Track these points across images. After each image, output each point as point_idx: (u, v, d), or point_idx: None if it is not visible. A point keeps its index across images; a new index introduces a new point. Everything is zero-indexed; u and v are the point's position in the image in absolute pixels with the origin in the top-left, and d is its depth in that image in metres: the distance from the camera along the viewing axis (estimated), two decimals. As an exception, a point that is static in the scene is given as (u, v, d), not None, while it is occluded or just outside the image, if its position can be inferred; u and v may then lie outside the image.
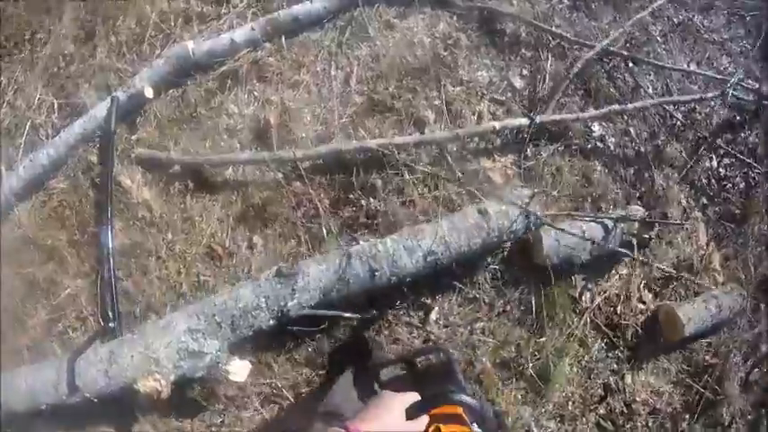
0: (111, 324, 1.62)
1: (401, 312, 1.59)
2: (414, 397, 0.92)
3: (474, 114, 1.82)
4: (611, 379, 1.87)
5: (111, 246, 1.71)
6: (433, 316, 1.61)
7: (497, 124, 1.75)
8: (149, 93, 1.86)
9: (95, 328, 1.84)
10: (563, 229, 1.65)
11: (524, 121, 1.79)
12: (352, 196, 1.69)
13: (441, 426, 0.91)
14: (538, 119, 1.79)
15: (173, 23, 1.93)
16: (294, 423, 1.59)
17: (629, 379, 1.90)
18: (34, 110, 2.17)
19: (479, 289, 1.70)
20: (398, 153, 1.69)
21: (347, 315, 1.54)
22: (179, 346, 1.46)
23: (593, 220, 1.80)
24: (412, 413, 0.89)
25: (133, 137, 1.89)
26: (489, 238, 1.59)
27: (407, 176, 1.68)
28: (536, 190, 1.71)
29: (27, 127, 2.09)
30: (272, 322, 1.47)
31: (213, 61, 1.87)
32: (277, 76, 1.84)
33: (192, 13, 1.92)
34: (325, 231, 1.63)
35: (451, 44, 1.89)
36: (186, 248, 1.74)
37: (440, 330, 1.65)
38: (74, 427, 1.67)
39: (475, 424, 0.96)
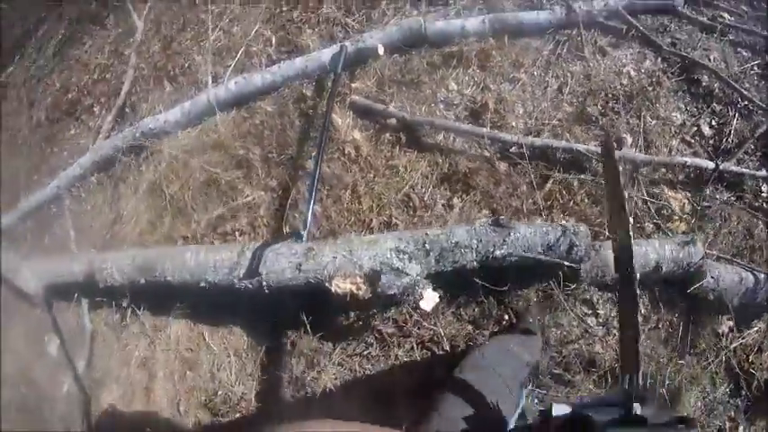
0: (302, 232, 1.64)
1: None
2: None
3: (666, 147, 1.98)
4: (726, 425, 1.95)
5: (319, 160, 1.75)
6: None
7: (688, 160, 1.91)
8: (381, 50, 2.10)
9: (264, 237, 1.98)
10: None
11: (710, 164, 1.94)
12: (548, 187, 1.86)
13: None
14: (722, 165, 1.94)
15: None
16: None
17: (741, 430, 1.98)
18: (251, 39, 2.43)
19: (640, 300, 1.84)
20: (598, 162, 1.86)
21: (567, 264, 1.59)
22: (383, 260, 1.55)
23: (748, 270, 1.92)
24: None
25: (353, 84, 2.12)
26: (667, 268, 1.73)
27: (602, 184, 1.85)
28: (694, 235, 1.82)
29: (241, 52, 2.34)
30: (475, 264, 1.58)
31: (442, 40, 2.11)
32: (498, 68, 2.05)
33: (425, -6, 2.17)
34: (524, 209, 1.81)
35: (655, 81, 2.07)
36: (384, 191, 1.93)
37: (597, 327, 1.79)
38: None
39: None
